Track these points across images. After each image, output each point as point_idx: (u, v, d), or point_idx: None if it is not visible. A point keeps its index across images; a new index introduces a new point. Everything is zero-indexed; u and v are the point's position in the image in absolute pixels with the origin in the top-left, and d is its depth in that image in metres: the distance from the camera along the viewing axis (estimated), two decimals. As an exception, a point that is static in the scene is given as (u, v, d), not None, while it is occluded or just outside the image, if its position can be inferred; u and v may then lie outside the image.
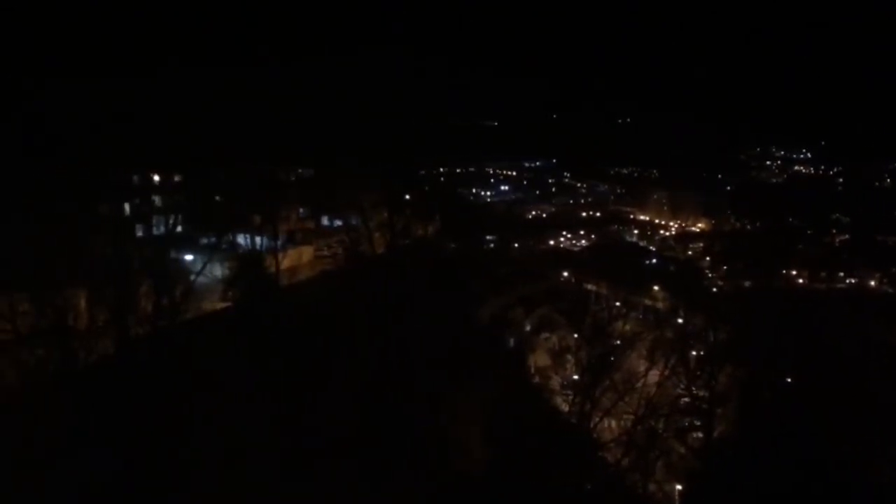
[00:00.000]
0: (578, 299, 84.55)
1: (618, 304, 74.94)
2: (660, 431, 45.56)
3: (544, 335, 73.90)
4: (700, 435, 48.75)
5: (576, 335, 58.47)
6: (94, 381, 32.79)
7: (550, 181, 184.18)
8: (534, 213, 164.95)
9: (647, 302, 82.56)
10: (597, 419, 45.54)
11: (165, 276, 37.75)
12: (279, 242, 58.30)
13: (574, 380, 51.18)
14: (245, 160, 52.53)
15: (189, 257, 47.46)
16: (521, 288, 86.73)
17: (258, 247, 56.05)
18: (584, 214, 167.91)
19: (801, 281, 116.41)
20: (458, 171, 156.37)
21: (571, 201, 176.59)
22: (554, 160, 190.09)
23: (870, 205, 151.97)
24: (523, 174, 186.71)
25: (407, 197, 64.94)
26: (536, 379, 61.10)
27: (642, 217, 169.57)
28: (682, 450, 47.92)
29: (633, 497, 44.20)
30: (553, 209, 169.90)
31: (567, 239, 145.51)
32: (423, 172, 76.03)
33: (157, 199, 52.36)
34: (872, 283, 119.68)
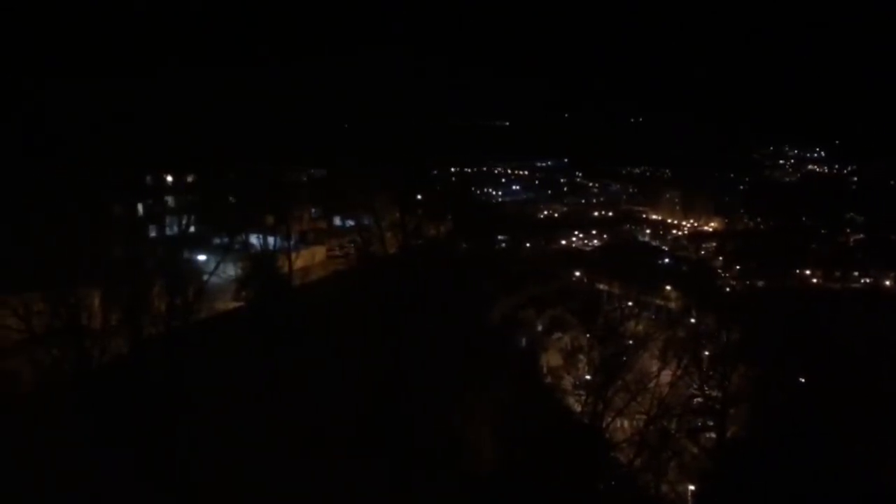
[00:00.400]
0: (590, 299, 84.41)
1: (630, 303, 74.72)
2: (672, 431, 45.43)
3: (556, 335, 73.79)
4: (713, 435, 48.57)
5: (588, 335, 58.33)
6: (107, 381, 33.00)
7: (562, 181, 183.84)
8: (546, 212, 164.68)
9: (660, 302, 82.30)
10: (609, 419, 45.42)
11: (178, 276, 37.92)
12: (292, 242, 58.50)
13: (586, 380, 51.06)
14: (257, 161, 52.76)
15: (202, 257, 47.67)
16: (533, 288, 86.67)
17: (271, 247, 56.28)
18: (596, 214, 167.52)
19: (814, 280, 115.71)
20: (469, 171, 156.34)
21: (583, 201, 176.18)
22: (566, 160, 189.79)
23: (884, 204, 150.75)
24: (535, 174, 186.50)
25: (419, 197, 64.97)
26: (549, 379, 61.00)
27: (655, 217, 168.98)
28: (695, 450, 47.76)
29: (646, 497, 44.09)
30: (565, 209, 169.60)
31: (579, 239, 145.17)
32: (435, 172, 75.95)
33: (170, 200, 52.61)
34: (887, 282, 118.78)
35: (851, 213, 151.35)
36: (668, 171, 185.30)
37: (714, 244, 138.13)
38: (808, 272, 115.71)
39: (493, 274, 73.40)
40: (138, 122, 37.32)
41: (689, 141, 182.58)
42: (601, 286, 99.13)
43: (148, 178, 49.06)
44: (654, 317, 66.92)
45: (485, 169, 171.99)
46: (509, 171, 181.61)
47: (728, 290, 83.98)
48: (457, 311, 50.75)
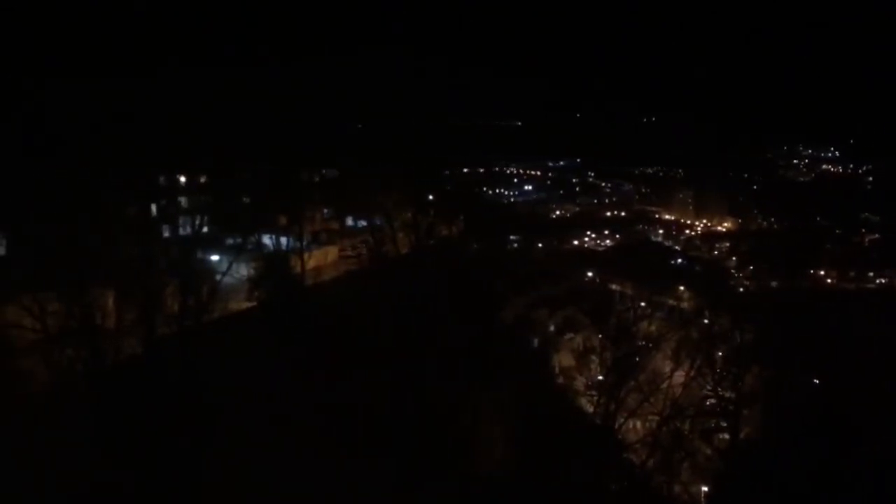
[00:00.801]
0: (603, 299, 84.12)
1: (643, 304, 74.44)
2: (685, 432, 45.25)
3: (568, 335, 73.57)
4: (726, 436, 48.34)
5: (600, 335, 58.14)
6: (121, 380, 33.20)
7: (574, 181, 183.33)
8: (558, 212, 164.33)
9: (673, 302, 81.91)
10: (622, 420, 45.31)
11: (192, 276, 38.08)
12: (304, 243, 58.67)
13: (599, 380, 50.93)
14: (270, 162, 52.94)
15: (215, 257, 47.85)
16: (545, 288, 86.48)
17: (283, 247, 56.45)
18: (608, 214, 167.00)
19: (829, 281, 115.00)
20: (481, 171, 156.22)
21: (595, 201, 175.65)
22: (578, 160, 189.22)
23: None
24: (547, 174, 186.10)
25: (431, 197, 64.98)
26: (561, 379, 60.86)
27: (667, 217, 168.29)
28: (708, 451, 47.52)
29: (659, 498, 43.97)
30: (577, 209, 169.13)
31: (591, 239, 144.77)
32: (447, 173, 75.96)
33: (183, 201, 52.84)
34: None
35: (866, 213, 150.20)
36: (680, 170, 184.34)
37: (727, 244, 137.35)
38: (822, 272, 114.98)
39: (505, 274, 73.30)
40: (150, 123, 37.47)
41: (702, 141, 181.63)
42: (614, 286, 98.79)
43: (161, 179, 49.26)
44: (666, 317, 66.58)
45: (497, 169, 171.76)
46: (521, 171, 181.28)
47: (741, 290, 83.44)
48: (468, 310, 50.72)
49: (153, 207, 44.32)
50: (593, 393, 50.43)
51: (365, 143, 61.05)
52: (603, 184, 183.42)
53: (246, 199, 53.42)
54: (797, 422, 44.93)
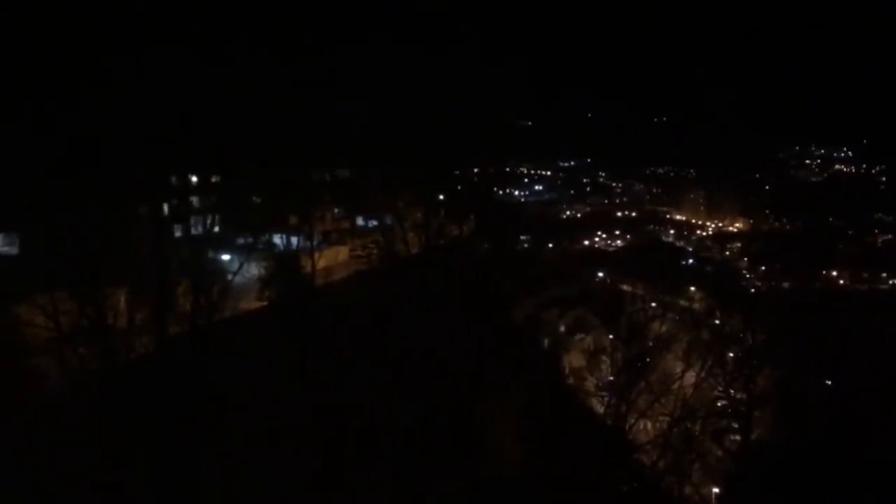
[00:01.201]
0: (614, 300, 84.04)
1: (653, 304, 74.31)
2: (696, 433, 45.15)
3: (579, 336, 73.53)
4: (737, 437, 48.21)
5: (611, 336, 58.09)
6: (133, 379, 33.34)
7: (585, 181, 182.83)
8: (568, 212, 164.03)
9: (684, 303, 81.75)
10: (632, 421, 45.22)
11: (203, 276, 38.18)
12: (315, 242, 58.78)
13: (609, 381, 50.87)
14: (281, 162, 53.02)
15: (226, 257, 47.97)
16: (556, 288, 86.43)
17: (294, 247, 56.54)
18: (619, 214, 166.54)
19: (842, 282, 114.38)
20: (492, 171, 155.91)
21: (606, 201, 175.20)
22: (589, 160, 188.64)
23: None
24: (558, 174, 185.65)
25: (441, 197, 65.00)
26: (571, 380, 60.83)
27: (679, 217, 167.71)
28: (720, 452, 47.42)
29: (669, 500, 43.88)
30: (588, 209, 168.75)
31: (602, 239, 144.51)
32: (457, 173, 75.90)
33: (194, 200, 53.01)
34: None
35: (880, 214, 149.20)
36: (692, 171, 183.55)
37: (739, 245, 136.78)
38: (834, 273, 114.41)
39: (516, 274, 73.31)
40: (162, 123, 37.58)
41: (713, 141, 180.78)
42: (624, 287, 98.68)
43: (173, 179, 49.42)
44: (678, 318, 66.49)
45: (507, 169, 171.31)
46: (532, 171, 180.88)
47: (753, 291, 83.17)
48: (479, 311, 50.72)
49: (165, 207, 44.44)
50: (604, 394, 50.41)
51: (375, 143, 61.01)
52: (614, 184, 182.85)
53: (257, 199, 53.55)
54: (809, 423, 44.75)
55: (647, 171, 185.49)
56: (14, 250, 43.30)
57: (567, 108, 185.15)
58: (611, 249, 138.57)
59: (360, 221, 75.44)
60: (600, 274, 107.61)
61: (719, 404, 48.89)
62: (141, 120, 36.63)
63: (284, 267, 49.83)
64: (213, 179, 54.16)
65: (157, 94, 37.45)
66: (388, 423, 38.13)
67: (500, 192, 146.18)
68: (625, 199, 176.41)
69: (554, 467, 39.13)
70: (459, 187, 77.47)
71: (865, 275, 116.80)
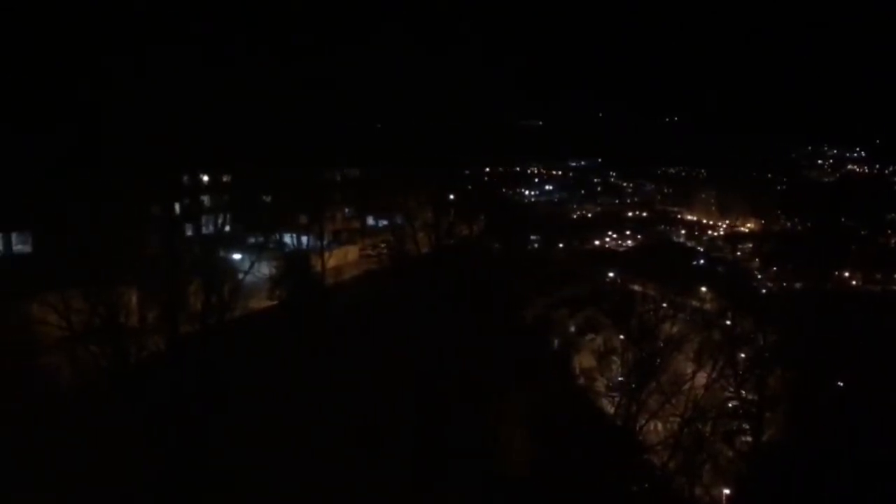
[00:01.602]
0: (624, 300, 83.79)
1: (664, 305, 74.11)
2: (707, 434, 44.95)
3: (589, 336, 73.36)
4: (748, 439, 47.99)
5: (621, 336, 57.95)
6: (144, 378, 33.49)
7: (596, 181, 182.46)
8: (579, 212, 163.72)
9: (695, 303, 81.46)
10: (643, 421, 45.10)
11: (214, 275, 38.31)
12: (325, 242, 58.93)
13: (619, 381, 50.75)
14: (291, 161, 53.18)
15: (237, 256, 48.17)
16: (566, 288, 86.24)
17: (305, 246, 56.71)
18: (629, 214, 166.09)
19: (854, 283, 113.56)
20: (502, 170, 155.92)
21: (617, 201, 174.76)
22: (599, 159, 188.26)
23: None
24: (568, 174, 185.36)
25: (451, 197, 65.04)
26: (581, 380, 60.71)
27: (690, 217, 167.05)
28: (730, 453, 47.20)
29: (680, 500, 43.72)
30: (598, 209, 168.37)
31: (612, 239, 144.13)
32: (467, 172, 76.02)
33: (206, 199, 53.24)
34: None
35: (892, 214, 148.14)
36: (703, 170, 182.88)
37: (750, 245, 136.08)
38: (847, 274, 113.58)
39: (526, 274, 73.24)
40: (174, 122, 37.73)
41: (725, 140, 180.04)
42: (635, 287, 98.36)
43: (184, 178, 49.65)
44: (689, 318, 66.29)
45: (517, 169, 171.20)
46: (542, 171, 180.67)
47: (765, 291, 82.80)
48: (489, 311, 50.69)
49: (176, 206, 44.62)
50: (614, 394, 50.31)
51: (386, 142, 61.19)
52: (624, 184, 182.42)
53: (268, 199, 53.76)
54: (821, 425, 44.50)
55: (658, 171, 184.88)
56: (27, 249, 43.61)
57: (578, 108, 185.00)
58: (621, 249, 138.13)
59: (370, 221, 75.59)
60: (611, 274, 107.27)
61: (730, 405, 48.68)
62: (152, 120, 36.80)
63: (295, 266, 49.97)
64: (225, 179, 54.42)
65: (167, 94, 37.62)
66: (398, 422, 38.13)
67: (511, 192, 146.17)
68: (635, 199, 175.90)
69: (564, 468, 39.06)
70: (470, 187, 77.54)
71: (878, 275, 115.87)
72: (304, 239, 57.71)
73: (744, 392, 48.29)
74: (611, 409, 49.59)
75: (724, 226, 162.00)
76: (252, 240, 49.67)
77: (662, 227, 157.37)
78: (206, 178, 54.88)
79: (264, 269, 48.60)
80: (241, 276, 42.48)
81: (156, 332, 35.54)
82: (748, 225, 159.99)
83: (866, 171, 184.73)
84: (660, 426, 47.92)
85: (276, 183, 53.58)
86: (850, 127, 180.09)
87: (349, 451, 34.54)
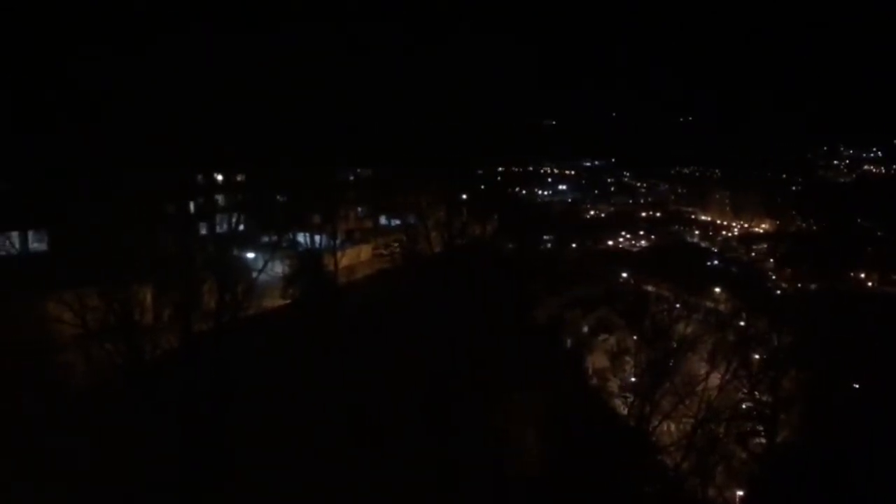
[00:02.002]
0: (637, 300, 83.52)
1: (678, 305, 73.80)
2: (720, 436, 44.79)
3: (602, 336, 73.16)
4: (762, 440, 47.76)
5: (635, 337, 57.77)
6: (158, 375, 33.67)
7: (609, 180, 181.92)
8: (592, 212, 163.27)
9: (709, 304, 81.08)
10: (656, 422, 44.96)
11: (228, 274, 38.45)
12: (338, 241, 59.05)
13: (632, 382, 50.59)
14: (304, 161, 53.31)
15: (251, 255, 48.34)
16: (579, 288, 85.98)
17: (318, 245, 56.81)
18: (643, 214, 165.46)
19: (870, 284, 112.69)
20: (515, 170, 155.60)
21: (631, 201, 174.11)
22: (613, 159, 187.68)
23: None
24: (582, 173, 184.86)
25: (464, 196, 65.03)
26: (594, 381, 60.57)
27: (704, 217, 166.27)
28: (744, 455, 46.99)
29: (693, 502, 43.57)
30: (612, 209, 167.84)
31: (626, 239, 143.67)
32: (480, 172, 75.96)
33: (220, 199, 53.45)
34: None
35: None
36: (717, 171, 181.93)
37: (765, 246, 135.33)
38: (862, 275, 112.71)
39: (539, 274, 73.15)
40: (187, 121, 37.89)
41: (739, 140, 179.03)
42: (648, 287, 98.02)
43: (199, 177, 49.87)
44: (702, 319, 66.02)
45: (531, 168, 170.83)
46: (556, 171, 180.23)
47: (779, 292, 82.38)
48: (502, 310, 50.67)
49: (191, 205, 44.83)
50: (627, 395, 50.18)
51: (399, 142, 61.21)
52: (638, 184, 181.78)
53: (281, 198, 53.89)
54: (835, 427, 44.22)
55: (672, 171, 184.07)
56: (43, 247, 43.94)
57: (591, 107, 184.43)
58: (635, 250, 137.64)
59: (383, 220, 75.65)
60: (624, 274, 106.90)
61: (744, 406, 48.47)
62: (166, 118, 36.99)
63: (308, 265, 50.10)
64: (238, 178, 54.59)
65: (181, 93, 37.80)
66: (409, 422, 38.18)
67: (524, 192, 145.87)
68: (649, 199, 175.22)
69: (576, 468, 39.00)
70: (482, 187, 77.48)
71: (894, 276, 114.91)
72: (318, 238, 57.83)
73: (758, 393, 48.07)
74: (624, 410, 49.47)
75: (739, 226, 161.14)
76: (266, 239, 49.81)
77: (676, 227, 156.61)
78: (220, 177, 55.09)
79: (278, 268, 48.75)
80: (254, 274, 42.62)
81: (170, 330, 35.70)
82: (763, 225, 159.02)
83: (882, 171, 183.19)
84: (673, 427, 47.75)
85: (289, 182, 53.73)
86: (866, 127, 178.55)
87: (360, 451, 34.64)
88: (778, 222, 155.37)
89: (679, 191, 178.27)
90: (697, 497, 43.67)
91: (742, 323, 56.42)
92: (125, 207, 36.28)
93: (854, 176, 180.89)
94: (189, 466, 30.93)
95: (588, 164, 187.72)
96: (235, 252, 44.20)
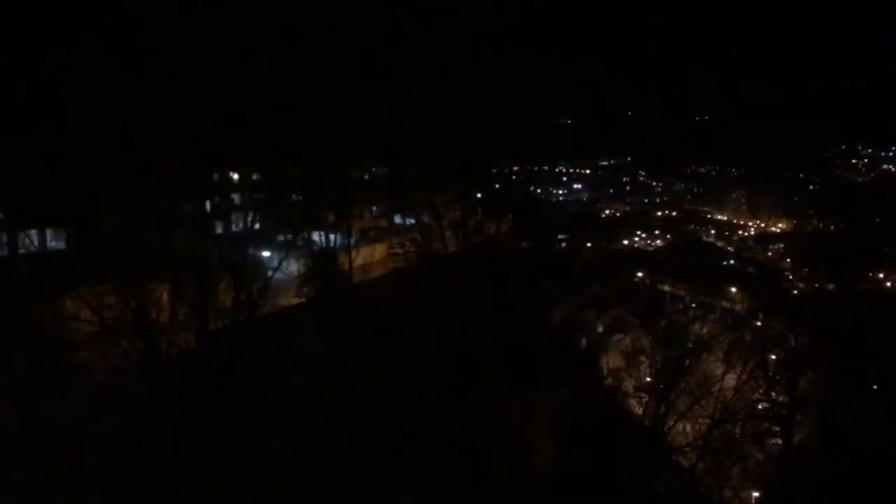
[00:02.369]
0: (653, 300, 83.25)
1: (694, 305, 73.48)
2: (736, 436, 44.51)
3: (617, 336, 72.97)
4: (779, 441, 47.45)
5: (650, 337, 57.54)
6: (174, 373, 33.88)
7: (625, 180, 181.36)
8: (607, 211, 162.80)
9: (725, 304, 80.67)
10: (671, 423, 44.75)
11: (244, 272, 38.64)
12: (352, 240, 59.20)
13: (648, 382, 50.37)
14: (320, 160, 53.50)
15: (266, 254, 48.55)
16: (594, 288, 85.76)
17: (332, 244, 56.99)
18: (659, 214, 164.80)
19: (888, 284, 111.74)
20: (530, 169, 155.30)
21: (646, 200, 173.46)
22: (629, 158, 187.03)
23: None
24: (597, 172, 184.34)
25: (479, 195, 64.99)
26: (609, 380, 60.39)
27: (720, 217, 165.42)
28: (760, 456, 46.69)
29: (708, 502, 43.35)
30: (627, 208, 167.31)
31: (641, 238, 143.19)
32: (495, 171, 75.90)
33: (235, 197, 53.74)
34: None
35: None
36: (734, 170, 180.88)
37: (782, 245, 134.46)
38: (881, 275, 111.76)
39: (554, 273, 73.04)
40: (203, 121, 38.14)
41: (756, 139, 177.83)
42: (664, 287, 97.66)
43: (215, 177, 50.15)
44: (718, 319, 65.67)
45: (546, 167, 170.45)
46: (571, 170, 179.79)
47: (796, 292, 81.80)
48: (517, 310, 50.60)
49: (207, 204, 45.10)
50: (642, 395, 49.95)
51: (413, 141, 61.29)
52: (654, 183, 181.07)
53: (296, 197, 54.08)
54: (853, 429, 43.88)
55: (688, 170, 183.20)
56: (61, 245, 44.33)
57: (607, 106, 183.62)
58: (650, 249, 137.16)
59: (397, 219, 75.73)
60: (640, 274, 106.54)
61: (760, 407, 48.12)
62: (182, 118, 37.20)
63: (323, 264, 50.25)
64: (254, 177, 54.83)
65: (197, 93, 38.00)
66: (424, 421, 38.18)
67: (539, 191, 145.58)
68: (665, 199, 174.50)
69: (591, 469, 38.92)
70: (497, 186, 77.38)
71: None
72: (332, 237, 58.00)
73: (774, 394, 47.75)
74: (639, 410, 49.25)
75: (755, 226, 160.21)
76: (281, 237, 50.01)
77: (692, 226, 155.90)
78: (235, 176, 55.39)
79: (293, 267, 48.94)
80: (269, 273, 42.80)
81: (186, 327, 35.91)
82: (779, 225, 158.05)
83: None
84: (688, 427, 47.51)
85: (304, 181, 53.92)
86: (885, 126, 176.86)
87: (374, 452, 34.67)
88: (795, 222, 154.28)
89: (695, 190, 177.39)
90: (713, 498, 43.44)
91: (759, 323, 56.07)
92: (142, 206, 36.55)
93: (872, 175, 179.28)
94: (200, 465, 31.06)
95: (604, 162, 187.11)
96: (251, 251, 44.42)
